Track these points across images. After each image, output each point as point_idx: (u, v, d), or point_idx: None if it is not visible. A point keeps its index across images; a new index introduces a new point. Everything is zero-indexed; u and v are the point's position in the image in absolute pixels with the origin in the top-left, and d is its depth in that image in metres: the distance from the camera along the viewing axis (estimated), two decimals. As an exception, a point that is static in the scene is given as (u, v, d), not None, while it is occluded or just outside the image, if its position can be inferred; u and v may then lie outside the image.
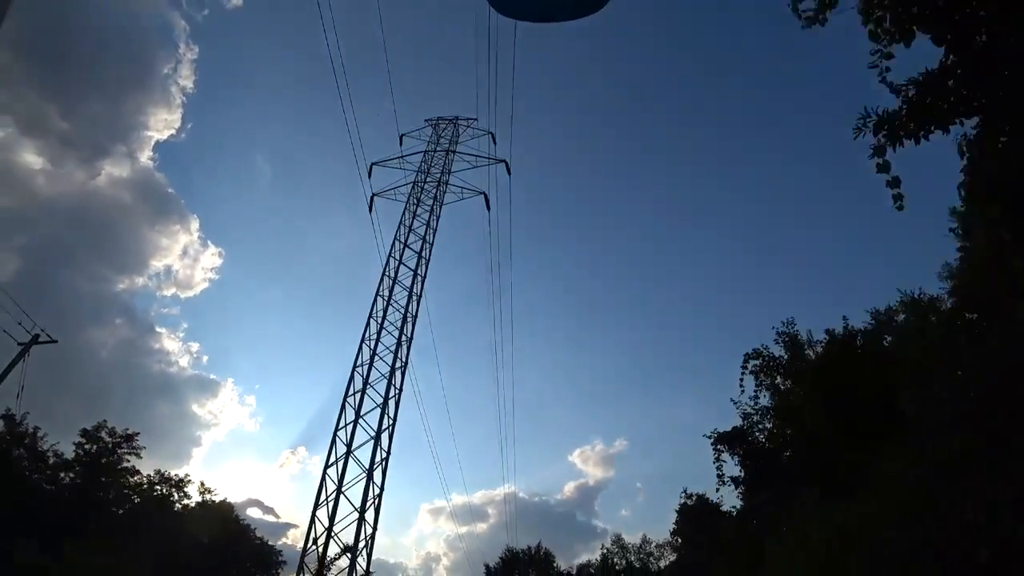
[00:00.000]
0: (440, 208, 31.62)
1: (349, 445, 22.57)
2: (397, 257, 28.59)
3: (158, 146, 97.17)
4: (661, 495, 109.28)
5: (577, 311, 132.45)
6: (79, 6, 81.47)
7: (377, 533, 21.36)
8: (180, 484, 40.02)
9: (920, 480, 10.92)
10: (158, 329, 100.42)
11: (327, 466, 22.00)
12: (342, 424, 23.18)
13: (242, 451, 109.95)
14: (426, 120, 38.09)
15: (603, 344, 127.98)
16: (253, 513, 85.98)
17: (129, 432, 36.46)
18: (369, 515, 21.23)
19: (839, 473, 14.01)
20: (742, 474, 21.33)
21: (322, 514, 21.06)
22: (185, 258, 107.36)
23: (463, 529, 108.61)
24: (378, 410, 23.51)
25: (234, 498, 60.53)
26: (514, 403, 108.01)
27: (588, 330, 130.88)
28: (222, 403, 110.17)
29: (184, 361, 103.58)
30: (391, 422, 23.75)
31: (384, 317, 26.53)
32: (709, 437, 22.35)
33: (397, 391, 24.52)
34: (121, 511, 35.11)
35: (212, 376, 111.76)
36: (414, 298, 27.39)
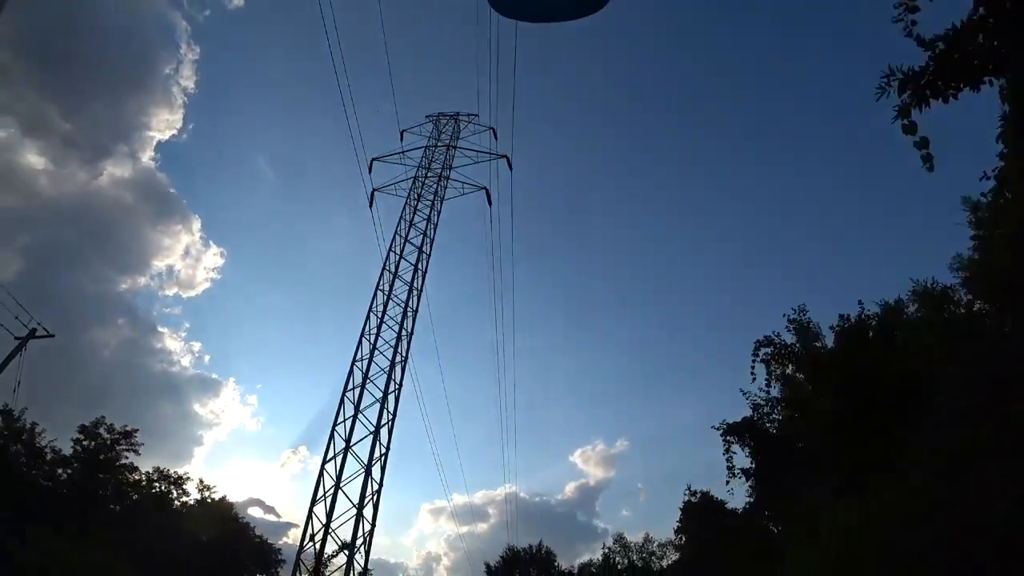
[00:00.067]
0: (441, 204, 31.36)
1: (348, 440, 22.24)
2: (397, 252, 28.31)
3: (160, 146, 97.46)
4: (662, 495, 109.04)
5: (578, 311, 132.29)
6: (81, 7, 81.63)
7: (378, 533, 21.13)
8: (179, 481, 39.76)
9: (929, 478, 10.58)
10: (160, 329, 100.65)
11: (325, 461, 21.68)
12: (341, 419, 22.88)
13: (243, 451, 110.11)
14: (427, 116, 37.85)
15: (604, 344, 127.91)
16: (254, 512, 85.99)
17: (128, 428, 36.22)
18: (367, 511, 20.91)
19: (854, 463, 13.60)
20: (753, 466, 20.80)
21: (320, 511, 20.75)
22: (187, 258, 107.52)
23: (464, 529, 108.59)
24: (377, 405, 23.22)
25: (235, 498, 60.39)
26: (515, 403, 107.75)
27: (589, 330, 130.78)
28: (224, 403, 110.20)
29: (186, 361, 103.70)
30: (390, 417, 23.44)
31: (384, 311, 26.23)
32: (718, 428, 22.00)
33: (397, 386, 24.20)
34: (118, 507, 34.79)
35: (214, 376, 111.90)
36: (414, 293, 27.12)
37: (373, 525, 20.96)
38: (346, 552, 19.90)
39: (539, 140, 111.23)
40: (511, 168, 35.04)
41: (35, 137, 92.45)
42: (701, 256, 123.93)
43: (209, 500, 42.17)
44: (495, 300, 46.44)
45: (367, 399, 23.38)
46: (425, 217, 29.89)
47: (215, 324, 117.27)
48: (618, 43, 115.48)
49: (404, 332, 25.59)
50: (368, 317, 25.90)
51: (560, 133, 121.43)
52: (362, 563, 20.17)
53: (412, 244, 28.70)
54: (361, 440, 22.36)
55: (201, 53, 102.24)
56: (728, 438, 20.52)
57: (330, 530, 20.18)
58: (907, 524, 10.84)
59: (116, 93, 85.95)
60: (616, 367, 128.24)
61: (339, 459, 21.74)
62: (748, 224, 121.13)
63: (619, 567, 50.70)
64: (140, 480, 37.33)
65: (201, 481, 43.45)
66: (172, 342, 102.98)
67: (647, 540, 51.39)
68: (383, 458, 22.39)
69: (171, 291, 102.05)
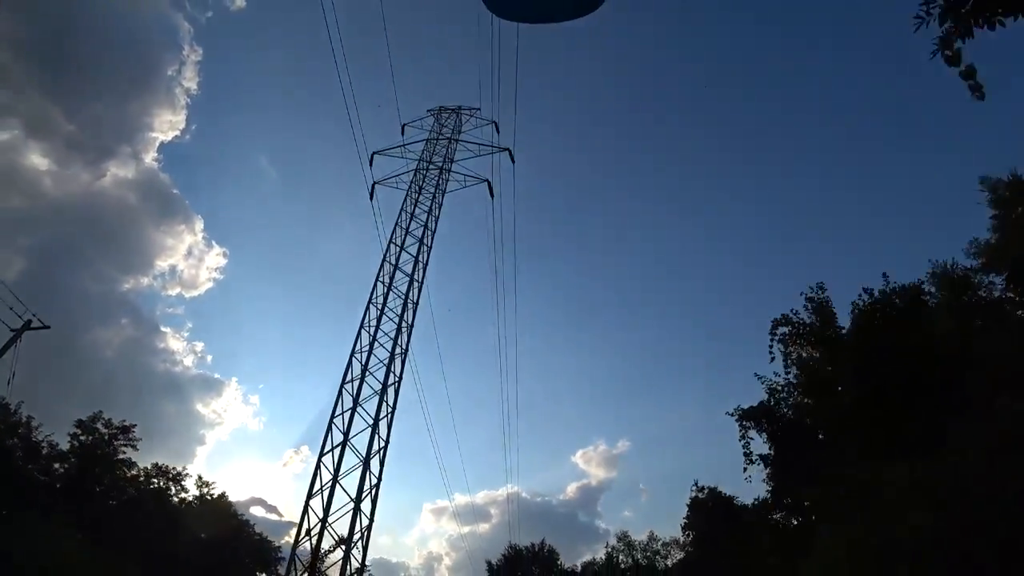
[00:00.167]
0: (443, 196, 30.95)
1: (346, 433, 21.73)
2: (398, 243, 27.85)
3: (163, 147, 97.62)
4: (664, 496, 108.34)
5: (579, 311, 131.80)
6: (84, 9, 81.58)
7: (380, 533, 20.65)
8: (177, 477, 39.32)
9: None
10: (163, 329, 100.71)
11: (322, 454, 21.15)
12: (339, 411, 22.38)
13: (246, 450, 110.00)
14: (428, 110, 37.46)
15: (606, 344, 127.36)
16: (256, 512, 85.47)
17: (126, 424, 35.78)
18: (366, 506, 20.39)
19: (888, 447, 12.94)
20: (771, 451, 19.95)
21: (318, 505, 20.23)
22: (190, 258, 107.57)
23: (465, 529, 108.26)
24: (376, 398, 22.73)
25: (237, 497, 60.05)
26: (517, 403, 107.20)
27: (591, 330, 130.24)
28: (226, 402, 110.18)
29: (188, 360, 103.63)
30: (390, 410, 22.94)
31: (384, 303, 25.77)
32: (732, 414, 21.16)
33: (396, 378, 23.70)
34: (115, 503, 34.37)
35: (216, 375, 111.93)
36: (415, 284, 26.64)
37: (371, 520, 20.45)
38: (343, 547, 19.29)
39: (539, 140, 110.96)
40: (513, 161, 34.64)
41: (39, 138, 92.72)
42: (703, 256, 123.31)
43: (208, 497, 41.78)
44: (497, 298, 45.88)
45: (366, 391, 22.93)
46: (426, 209, 29.48)
47: (218, 324, 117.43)
48: (618, 43, 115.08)
49: (404, 324, 25.13)
50: (368, 308, 25.47)
51: (560, 133, 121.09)
52: (360, 559, 19.60)
53: (413, 236, 28.30)
54: (360, 432, 21.89)
55: (203, 54, 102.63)
56: (744, 423, 19.87)
57: (327, 524, 19.66)
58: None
59: (119, 94, 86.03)
60: (618, 367, 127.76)
61: (337, 452, 21.25)
62: (749, 223, 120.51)
63: (622, 566, 50.02)
64: (138, 476, 36.94)
65: (200, 478, 43.11)
66: (175, 342, 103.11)
67: (652, 538, 50.68)
68: (382, 452, 21.89)
69: (174, 291, 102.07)
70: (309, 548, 19.60)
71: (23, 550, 24.70)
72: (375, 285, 26.16)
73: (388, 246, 27.66)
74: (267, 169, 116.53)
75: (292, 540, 20.33)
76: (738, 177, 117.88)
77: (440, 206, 30.28)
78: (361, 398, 22.68)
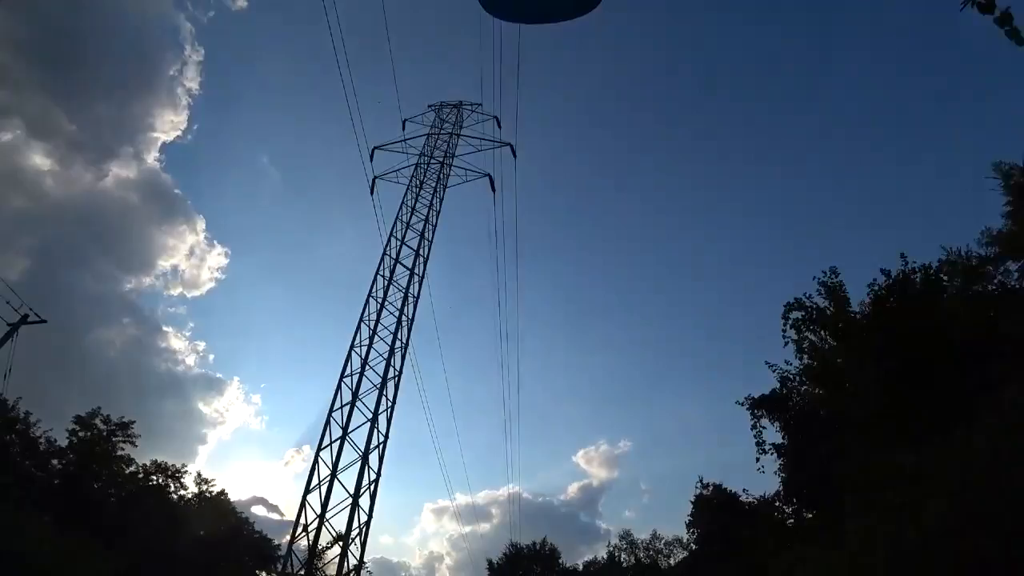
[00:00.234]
0: (444, 190, 30.67)
1: (345, 427, 21.41)
2: (398, 237, 27.57)
3: (164, 147, 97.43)
4: (665, 496, 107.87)
5: (580, 311, 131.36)
6: (85, 9, 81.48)
7: (381, 533, 20.41)
8: (176, 475, 39.03)
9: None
10: (165, 328, 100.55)
11: (320, 448, 20.81)
12: (338, 405, 22.06)
13: (247, 450, 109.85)
14: (429, 105, 37.20)
15: (607, 344, 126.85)
16: (258, 511, 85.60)
17: (124, 420, 35.53)
18: (364, 501, 20.06)
19: (914, 433, 12.50)
20: (785, 440, 19.41)
21: (316, 501, 19.88)
22: (192, 258, 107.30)
23: (466, 529, 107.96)
24: (375, 393, 22.41)
25: (239, 496, 59.88)
26: (519, 403, 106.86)
27: (592, 330, 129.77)
28: (228, 401, 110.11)
29: (190, 360, 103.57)
30: (389, 404, 22.64)
31: (384, 297, 25.48)
32: (743, 403, 20.65)
33: (396, 373, 23.39)
34: (113, 499, 34.12)
35: (218, 375, 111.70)
36: (415, 278, 26.35)
37: (370, 516, 20.12)
38: (340, 544, 18.94)
39: (539, 139, 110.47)
40: (515, 156, 34.34)
41: (41, 139, 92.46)
42: (705, 255, 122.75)
43: (207, 494, 41.49)
44: (499, 295, 45.45)
45: (365, 385, 22.62)
46: (427, 203, 29.21)
47: (219, 324, 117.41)
48: (617, 43, 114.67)
49: (404, 318, 24.84)
50: (367, 301, 25.18)
51: (560, 132, 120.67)
52: (357, 556, 19.24)
53: (414, 230, 28.03)
54: (359, 427, 21.57)
55: (205, 54, 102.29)
56: (756, 412, 19.37)
57: (325, 520, 19.33)
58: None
59: (121, 95, 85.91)
60: (619, 367, 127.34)
61: (335, 446, 20.93)
62: (753, 222, 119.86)
63: (624, 565, 49.57)
64: (136, 472, 36.68)
65: (199, 475, 42.81)
66: (177, 341, 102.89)
67: (654, 537, 50.14)
68: (381, 447, 21.58)
69: (176, 291, 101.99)
70: (306, 544, 19.24)
71: (20, 547, 24.45)
72: (375, 279, 25.91)
73: (388, 240, 27.41)
74: (269, 169, 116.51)
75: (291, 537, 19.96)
76: (741, 174, 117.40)
77: (441, 200, 30.04)
78: (361, 392, 22.39)
